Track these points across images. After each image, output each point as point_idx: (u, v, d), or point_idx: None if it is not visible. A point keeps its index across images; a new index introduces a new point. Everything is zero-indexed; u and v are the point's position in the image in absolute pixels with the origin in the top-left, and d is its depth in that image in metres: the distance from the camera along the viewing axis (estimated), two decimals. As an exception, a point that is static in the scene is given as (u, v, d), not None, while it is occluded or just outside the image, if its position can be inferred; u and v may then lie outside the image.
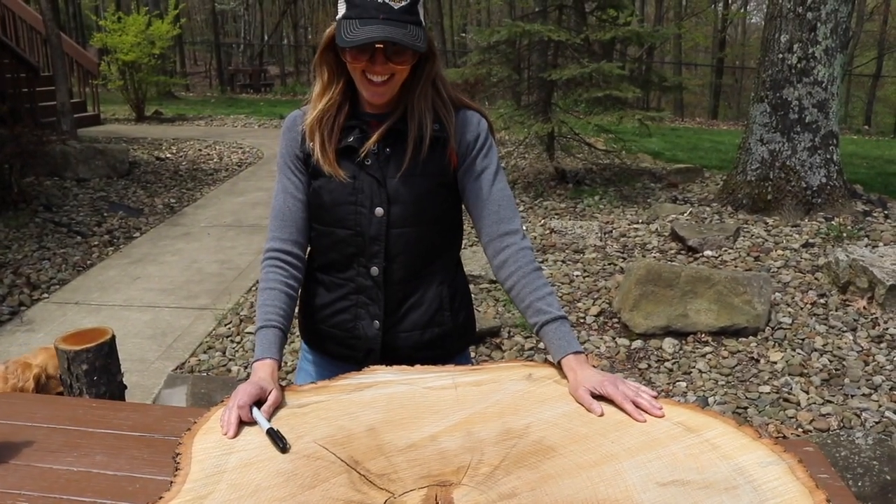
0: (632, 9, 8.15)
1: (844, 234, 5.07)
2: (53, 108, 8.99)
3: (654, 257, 4.85)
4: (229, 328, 4.10)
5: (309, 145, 1.50)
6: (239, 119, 12.95)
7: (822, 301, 4.07)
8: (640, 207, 6.22)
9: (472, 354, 2.94)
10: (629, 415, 1.26)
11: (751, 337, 3.72)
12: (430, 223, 1.52)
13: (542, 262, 4.84)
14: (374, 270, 1.50)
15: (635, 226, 5.58)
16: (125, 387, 2.22)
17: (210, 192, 7.47)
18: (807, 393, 3.24)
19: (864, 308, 3.93)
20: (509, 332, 3.88)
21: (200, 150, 9.64)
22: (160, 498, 1.07)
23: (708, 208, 5.97)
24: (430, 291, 1.55)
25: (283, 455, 1.17)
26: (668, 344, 3.70)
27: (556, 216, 6.08)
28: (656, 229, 5.43)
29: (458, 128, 1.49)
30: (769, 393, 3.26)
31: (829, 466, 1.29)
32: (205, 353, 3.84)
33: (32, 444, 1.39)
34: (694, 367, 3.50)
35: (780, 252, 4.80)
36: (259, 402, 1.29)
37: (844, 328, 3.77)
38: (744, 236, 5.13)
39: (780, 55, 5.60)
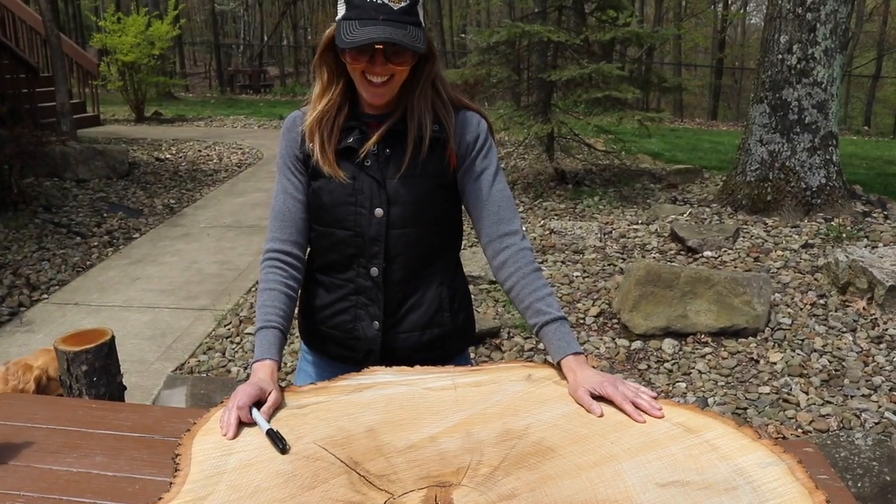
0: (631, 9, 8.16)
1: (844, 235, 5.07)
2: (53, 108, 8.99)
3: (654, 258, 4.85)
4: (229, 329, 4.10)
5: (309, 146, 1.50)
6: (238, 120, 12.95)
7: (821, 302, 4.07)
8: (639, 208, 6.22)
9: (472, 355, 2.93)
10: (629, 415, 1.26)
11: (750, 338, 3.72)
12: (430, 224, 1.52)
13: (541, 262, 4.84)
14: (374, 271, 1.50)
15: (635, 226, 5.58)
16: (125, 388, 2.22)
17: (210, 192, 7.47)
18: (806, 394, 3.24)
19: (864, 309, 3.93)
20: (509, 333, 3.88)
21: (200, 150, 9.64)
22: (160, 499, 1.07)
23: (707, 209, 5.97)
24: (429, 292, 1.55)
25: (282, 456, 1.17)
26: (668, 345, 3.70)
27: (555, 217, 6.08)
28: (656, 230, 5.43)
29: (458, 128, 1.49)
30: (769, 394, 3.26)
31: (829, 467, 1.29)
32: (204, 353, 3.83)
33: (32, 445, 1.39)
34: (693, 368, 3.50)
35: (779, 253, 4.80)
36: (259, 403, 1.29)
37: (844, 329, 3.77)
38: (743, 237, 5.13)
39: (780, 56, 5.61)
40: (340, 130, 1.48)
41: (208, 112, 13.92)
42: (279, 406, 1.31)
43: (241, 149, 9.81)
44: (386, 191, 1.47)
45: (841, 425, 3.00)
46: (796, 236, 5.13)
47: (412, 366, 1.46)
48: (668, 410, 1.27)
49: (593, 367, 1.41)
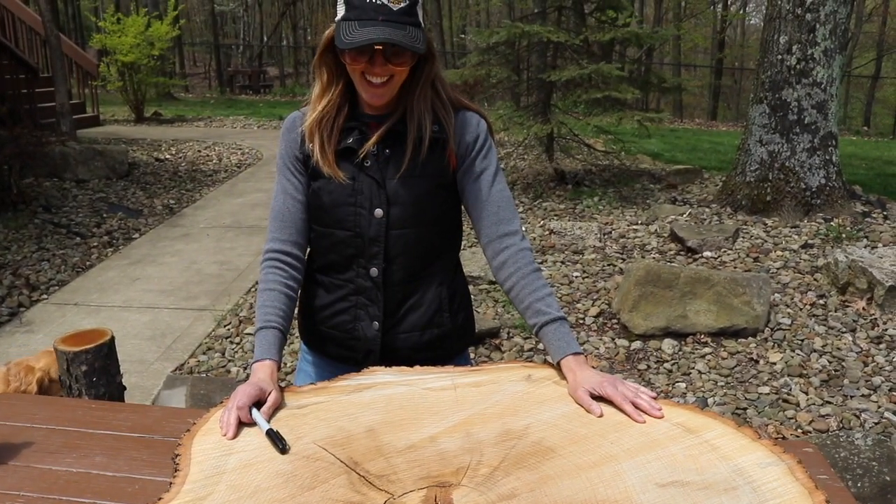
0: (631, 10, 8.16)
1: (843, 235, 5.08)
2: (53, 109, 8.99)
3: (654, 258, 4.85)
4: (228, 329, 4.10)
5: (308, 146, 1.50)
6: (238, 120, 12.95)
7: (821, 302, 4.07)
8: (639, 208, 6.22)
9: (472, 355, 2.93)
10: (628, 416, 1.26)
11: (750, 338, 3.73)
12: (430, 224, 1.52)
13: (541, 263, 4.85)
14: (374, 272, 1.50)
15: (634, 227, 5.58)
16: (124, 388, 2.22)
17: (209, 193, 7.47)
18: (806, 394, 3.24)
19: (864, 309, 3.93)
20: (508, 333, 3.88)
21: (200, 151, 9.64)
22: (159, 499, 1.07)
23: (707, 209, 5.97)
24: (429, 292, 1.55)
25: (282, 456, 1.17)
26: (668, 345, 3.70)
27: (555, 217, 6.08)
28: (655, 230, 5.43)
29: (458, 129, 1.49)
30: (768, 394, 3.26)
31: (829, 467, 1.29)
32: (204, 354, 3.83)
33: (32, 446, 1.39)
34: (693, 368, 3.50)
35: (779, 253, 4.80)
36: (258, 403, 1.29)
37: (844, 329, 3.77)
38: (743, 237, 5.13)
39: (780, 56, 5.61)
40: (340, 131, 1.48)
41: (208, 112, 13.92)
42: (279, 406, 1.31)
43: (240, 149, 9.81)
44: (386, 191, 1.47)
45: (841, 425, 3.00)
46: (796, 236, 5.13)
47: (412, 366, 1.46)
48: (667, 410, 1.27)
49: (593, 367, 1.41)
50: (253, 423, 1.25)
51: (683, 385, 3.37)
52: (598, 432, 1.22)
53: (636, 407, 1.27)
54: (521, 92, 8.17)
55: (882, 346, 3.60)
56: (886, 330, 3.71)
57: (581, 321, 4.02)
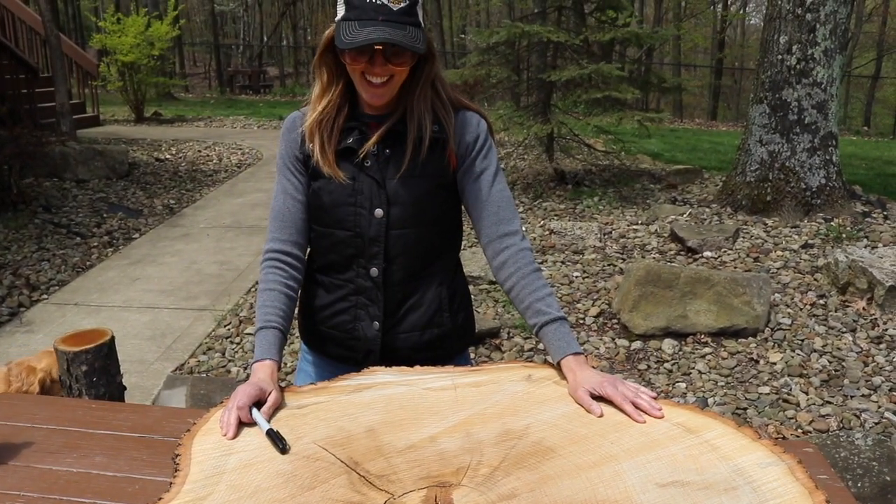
0: (631, 10, 8.16)
1: (844, 235, 5.08)
2: (53, 109, 8.99)
3: (654, 258, 4.85)
4: (229, 329, 4.10)
5: (308, 147, 1.50)
6: (238, 120, 12.95)
7: (821, 302, 4.07)
8: (639, 208, 6.22)
9: (472, 355, 2.93)
10: (629, 416, 1.26)
11: (750, 338, 3.72)
12: (430, 224, 1.52)
13: (541, 263, 4.85)
14: (374, 271, 1.50)
15: (635, 227, 5.58)
16: (124, 388, 2.22)
17: (209, 193, 7.47)
18: (806, 394, 3.24)
19: (864, 309, 3.93)
20: (509, 333, 3.88)
21: (200, 151, 9.64)
22: (159, 499, 1.07)
23: (707, 209, 5.97)
24: (429, 292, 1.55)
25: (282, 456, 1.17)
26: (668, 345, 3.70)
27: (555, 217, 6.08)
28: (656, 230, 5.43)
29: (458, 129, 1.49)
30: (769, 394, 3.26)
31: (829, 467, 1.29)
32: (204, 354, 3.83)
33: (32, 445, 1.39)
34: (693, 368, 3.50)
35: (779, 253, 4.80)
36: (259, 403, 1.29)
37: (844, 329, 3.77)
38: (743, 237, 5.13)
39: (780, 56, 5.61)
40: (340, 131, 1.48)
41: (208, 112, 13.92)
42: (279, 406, 1.31)
43: (240, 149, 9.81)
44: (386, 191, 1.47)
45: (841, 425, 3.00)
46: (796, 236, 5.13)
47: (412, 366, 1.46)
48: (667, 411, 1.27)
49: (593, 367, 1.41)
50: (253, 423, 1.25)
51: (683, 385, 3.37)
52: (599, 432, 1.22)
53: (636, 407, 1.27)
54: (521, 92, 8.17)
55: (882, 346, 3.60)
56: (886, 330, 3.71)
57: (581, 321, 4.02)
